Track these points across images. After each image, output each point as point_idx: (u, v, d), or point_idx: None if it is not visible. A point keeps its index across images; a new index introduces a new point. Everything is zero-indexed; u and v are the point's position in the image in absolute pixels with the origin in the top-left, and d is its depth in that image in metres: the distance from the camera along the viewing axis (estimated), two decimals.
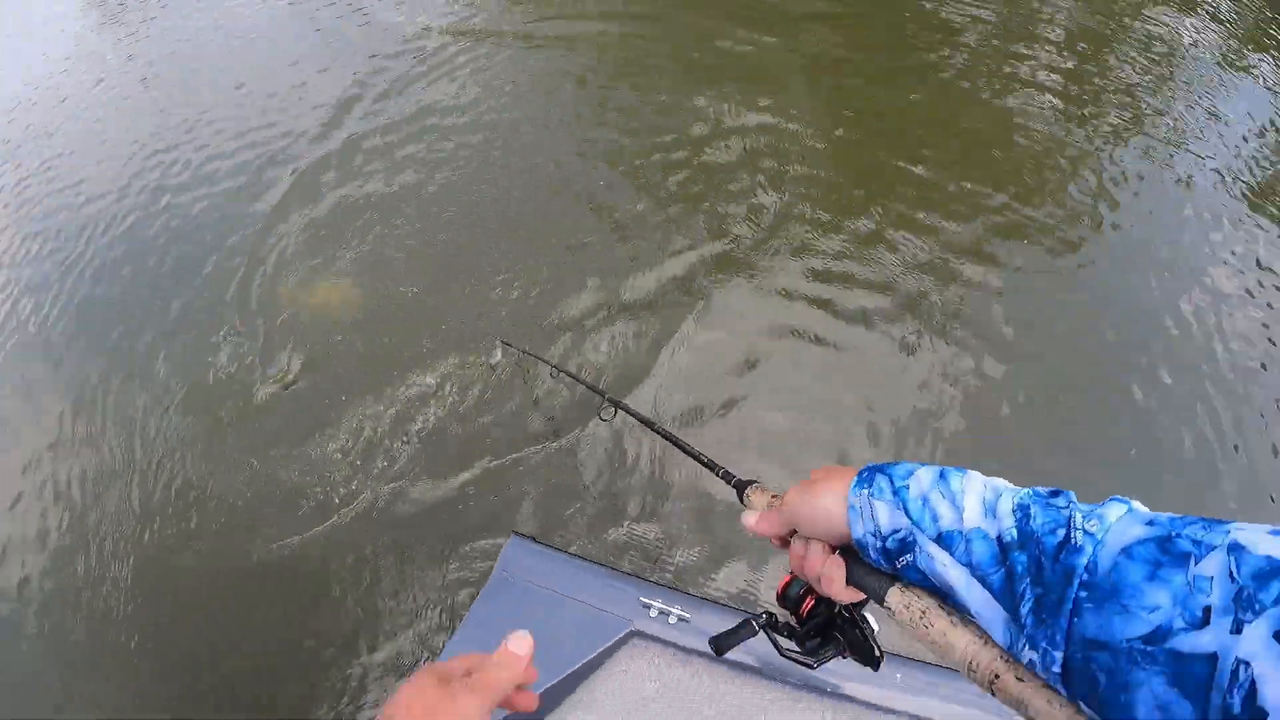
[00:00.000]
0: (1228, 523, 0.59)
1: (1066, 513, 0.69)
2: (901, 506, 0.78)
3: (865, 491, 0.81)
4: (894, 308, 3.87)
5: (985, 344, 3.75)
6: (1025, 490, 0.74)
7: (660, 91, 5.08)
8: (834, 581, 0.86)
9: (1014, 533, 0.70)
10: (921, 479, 0.78)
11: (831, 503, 0.84)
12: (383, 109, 5.10)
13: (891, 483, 0.80)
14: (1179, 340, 3.87)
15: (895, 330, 3.80)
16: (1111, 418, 3.59)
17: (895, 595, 0.80)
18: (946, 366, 3.67)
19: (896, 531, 0.78)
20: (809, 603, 0.98)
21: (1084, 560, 0.64)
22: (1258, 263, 4.21)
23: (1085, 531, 0.66)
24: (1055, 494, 0.72)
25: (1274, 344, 3.85)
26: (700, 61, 5.34)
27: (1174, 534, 0.61)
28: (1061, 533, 0.67)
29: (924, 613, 0.78)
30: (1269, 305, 4.04)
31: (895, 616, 0.81)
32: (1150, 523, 0.64)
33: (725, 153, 4.63)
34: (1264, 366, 3.77)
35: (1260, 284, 4.13)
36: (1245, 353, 3.80)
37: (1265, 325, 3.93)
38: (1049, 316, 3.96)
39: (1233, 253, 4.28)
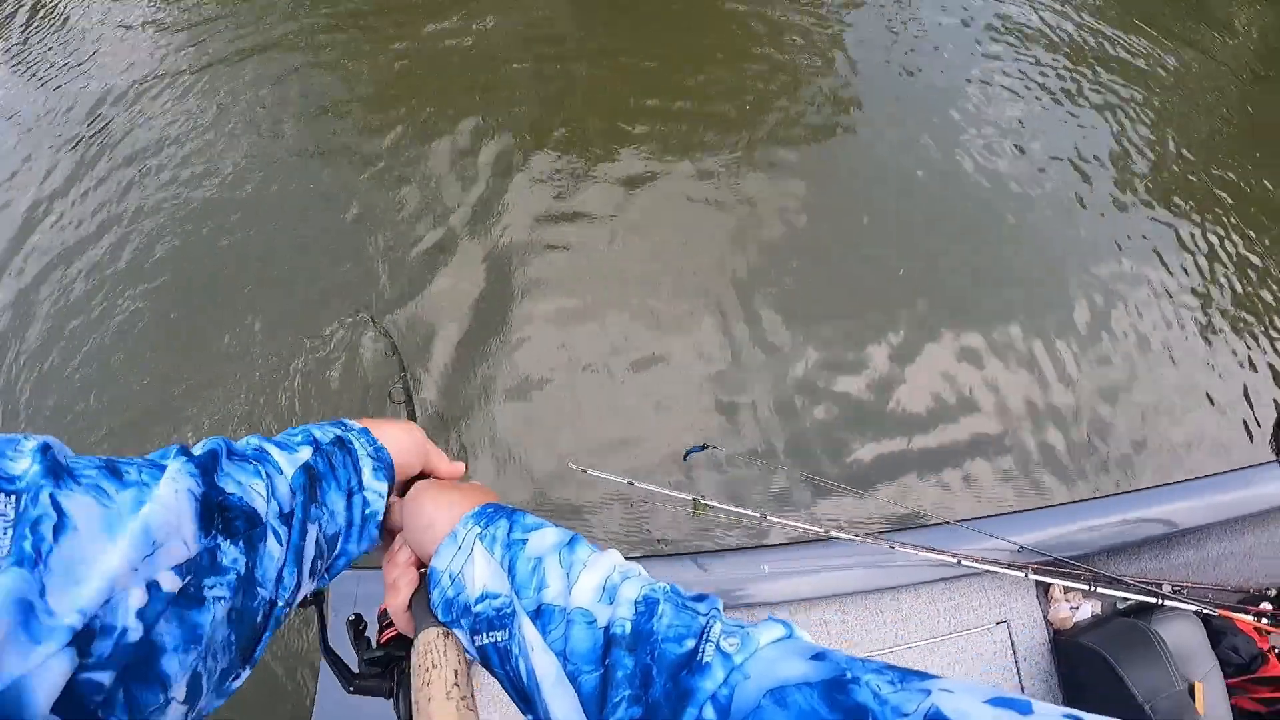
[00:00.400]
0: (930, 678, 0.43)
1: (704, 620, 0.54)
2: (508, 565, 0.61)
3: (476, 530, 0.65)
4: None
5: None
6: (664, 585, 0.58)
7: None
8: (398, 594, 0.71)
9: (627, 626, 0.55)
10: (546, 538, 0.63)
11: (439, 516, 0.68)
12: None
13: (509, 532, 0.64)
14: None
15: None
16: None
17: (428, 635, 0.65)
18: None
19: (492, 599, 0.61)
20: (391, 631, 0.76)
21: (711, 686, 0.49)
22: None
23: (721, 651, 0.51)
24: (700, 599, 0.57)
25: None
26: None
27: (849, 677, 0.45)
28: (690, 644, 0.52)
29: (436, 669, 0.62)
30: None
31: (410, 656, 0.66)
32: (817, 657, 0.49)
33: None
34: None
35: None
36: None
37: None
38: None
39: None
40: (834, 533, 1.64)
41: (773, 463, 2.93)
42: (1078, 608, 1.86)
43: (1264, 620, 2.39)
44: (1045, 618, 1.87)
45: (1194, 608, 2.10)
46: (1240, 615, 2.32)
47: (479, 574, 0.63)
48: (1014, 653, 1.80)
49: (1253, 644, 2.32)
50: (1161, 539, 2.10)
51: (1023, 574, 1.78)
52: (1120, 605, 1.80)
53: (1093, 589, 1.87)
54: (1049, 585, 1.88)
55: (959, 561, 1.73)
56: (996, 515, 1.94)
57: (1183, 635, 2.07)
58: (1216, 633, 2.27)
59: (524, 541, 0.63)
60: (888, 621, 1.76)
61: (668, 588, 0.58)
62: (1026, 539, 1.83)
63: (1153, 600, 2.02)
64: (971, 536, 1.80)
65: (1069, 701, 1.79)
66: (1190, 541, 2.21)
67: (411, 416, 2.62)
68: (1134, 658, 1.69)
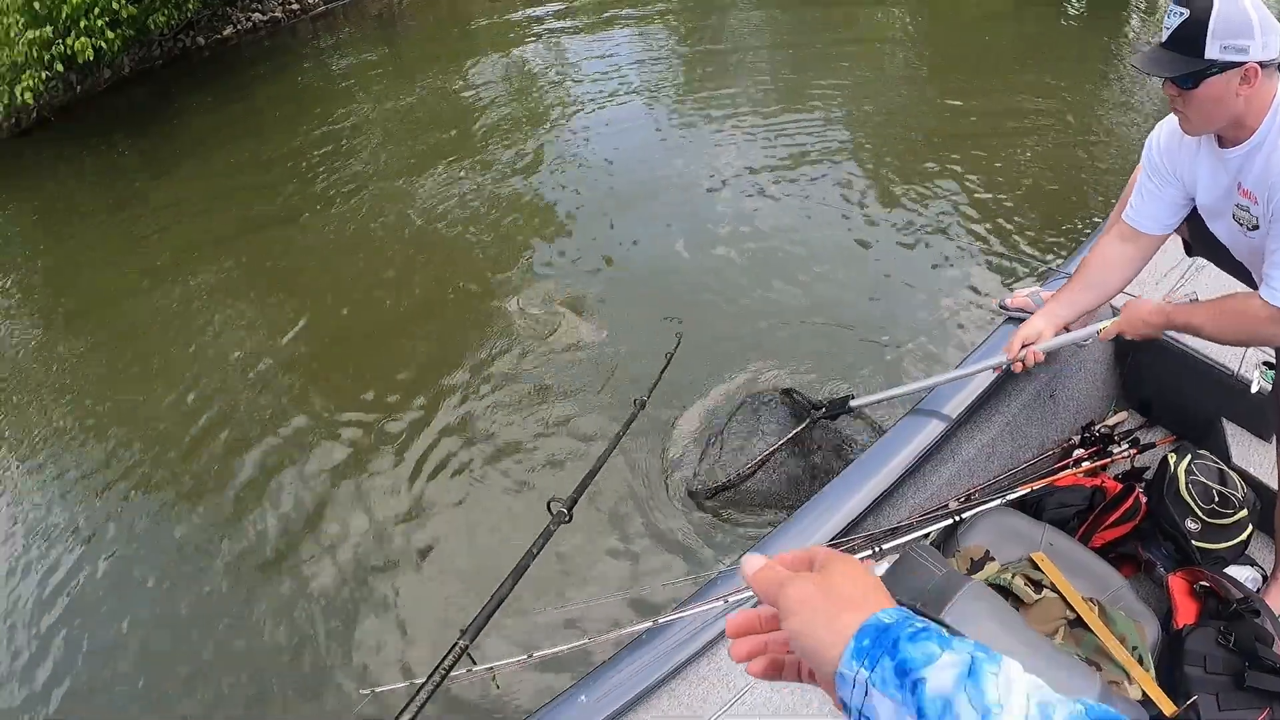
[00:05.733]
0: None
1: None
2: (915, 711, 0.55)
3: (863, 672, 0.58)
4: None
5: None
6: (1080, 707, 0.52)
7: None
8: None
9: None
10: (943, 673, 0.55)
11: (829, 637, 0.61)
12: None
13: (904, 672, 0.57)
14: None
15: None
16: None
17: None
18: None
19: None
20: None
21: None
22: None
23: None
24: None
25: None
26: None
27: None
28: None
29: None
30: None
31: None
32: None
33: None
34: None
35: None
36: None
37: None
38: None
39: None
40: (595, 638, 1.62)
41: None
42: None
43: (1083, 465, 2.44)
44: None
45: (995, 502, 2.14)
46: (1056, 476, 2.37)
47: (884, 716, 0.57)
48: None
49: (1082, 490, 2.37)
50: (916, 470, 2.15)
51: None
52: (921, 545, 1.80)
53: (878, 550, 1.88)
54: None
55: (725, 600, 1.72)
56: (750, 548, 1.95)
57: (998, 528, 2.10)
58: (1037, 504, 2.31)
59: (923, 681, 0.56)
60: (705, 692, 1.74)
61: (1085, 708, 0.51)
62: (787, 545, 1.84)
63: (949, 522, 2.05)
64: (732, 576, 1.81)
65: None
66: (945, 456, 2.25)
67: None
68: (901, 577, 1.70)
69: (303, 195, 7.52)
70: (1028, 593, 1.90)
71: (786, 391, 3.49)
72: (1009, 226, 4.72)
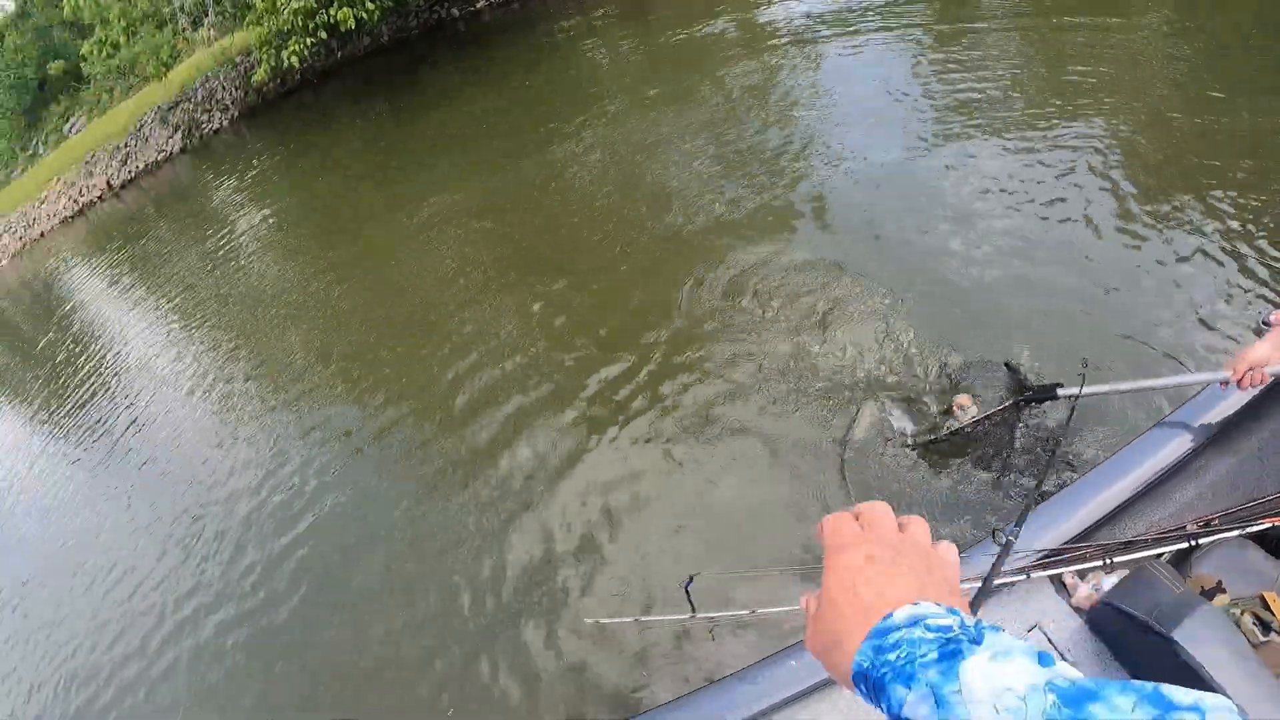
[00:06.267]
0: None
1: None
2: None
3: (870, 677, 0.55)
4: None
5: None
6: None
7: None
8: None
9: None
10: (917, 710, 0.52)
11: (845, 634, 0.59)
12: None
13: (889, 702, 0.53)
14: None
15: None
16: None
17: None
18: None
19: None
20: None
21: None
22: None
23: None
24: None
25: None
26: None
27: None
28: None
29: None
30: None
31: None
32: None
33: None
34: None
35: None
36: None
37: None
38: None
39: None
40: None
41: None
42: (1099, 586, 1.97)
43: None
44: (1072, 606, 1.98)
45: (1234, 533, 2.14)
46: None
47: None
48: (1055, 650, 1.92)
49: None
50: (1157, 485, 2.17)
51: (1024, 577, 1.93)
52: (1157, 562, 1.88)
53: (1109, 562, 1.98)
54: (1060, 576, 2.00)
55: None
56: (980, 541, 2.09)
57: (1233, 560, 2.12)
58: (1276, 540, 2.27)
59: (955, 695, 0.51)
60: None
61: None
62: (1020, 545, 1.98)
63: (1184, 545, 2.09)
64: (962, 564, 1.96)
65: (1132, 670, 1.89)
66: (1188, 475, 2.25)
67: None
68: (1137, 591, 1.76)
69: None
70: (1255, 632, 1.87)
71: (1009, 365, 3.77)
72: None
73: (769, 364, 4.52)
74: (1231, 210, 4.50)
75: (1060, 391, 2.92)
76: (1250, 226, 4.34)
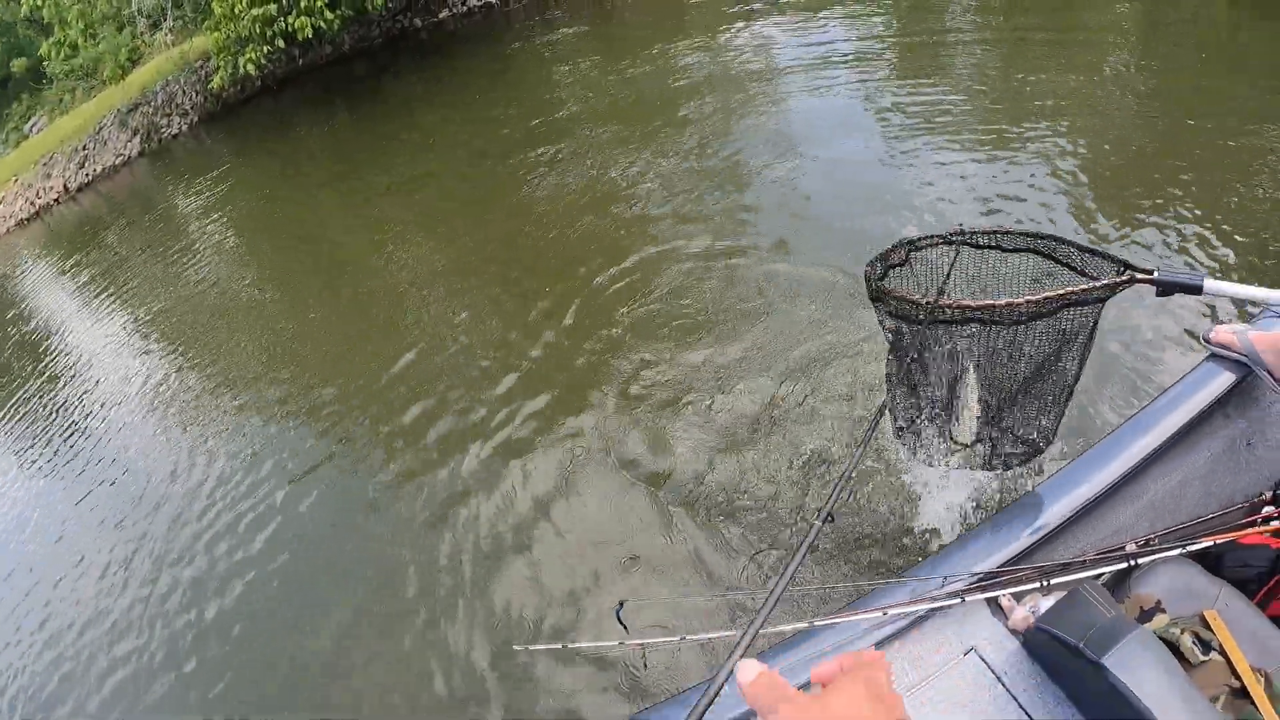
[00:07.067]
0: None
1: None
2: None
3: None
4: None
5: None
6: None
7: None
8: None
9: None
10: None
11: None
12: None
13: None
14: None
15: None
16: None
17: None
18: None
19: None
20: None
21: None
22: None
23: None
24: None
25: None
26: None
27: None
28: None
29: None
30: None
31: None
32: None
33: None
34: None
35: None
36: None
37: None
38: None
39: None
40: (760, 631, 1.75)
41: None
42: (1035, 609, 1.91)
43: (1272, 524, 2.35)
44: (1008, 629, 1.93)
45: (1174, 552, 2.11)
46: (1241, 533, 2.29)
47: None
48: (992, 673, 1.86)
49: (1267, 550, 2.29)
50: (1096, 506, 2.14)
51: (959, 600, 1.87)
52: (1092, 584, 1.84)
53: (1046, 584, 1.93)
54: (997, 599, 1.95)
55: (884, 613, 1.83)
56: (915, 564, 2.03)
57: (1172, 578, 2.08)
58: (1217, 559, 2.25)
59: None
60: None
61: None
62: (956, 567, 1.92)
63: (1123, 565, 2.05)
64: (897, 589, 1.91)
65: (1068, 693, 1.83)
66: (1129, 495, 2.22)
67: None
68: (1070, 614, 1.73)
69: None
70: (1194, 652, 1.85)
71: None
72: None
73: (721, 386, 4.45)
74: (1189, 218, 4.55)
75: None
76: (1211, 237, 4.38)
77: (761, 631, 2.07)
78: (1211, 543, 2.22)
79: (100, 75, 24.68)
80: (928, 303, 1.80)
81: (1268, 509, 2.36)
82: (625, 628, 2.00)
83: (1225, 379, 2.26)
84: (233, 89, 16.01)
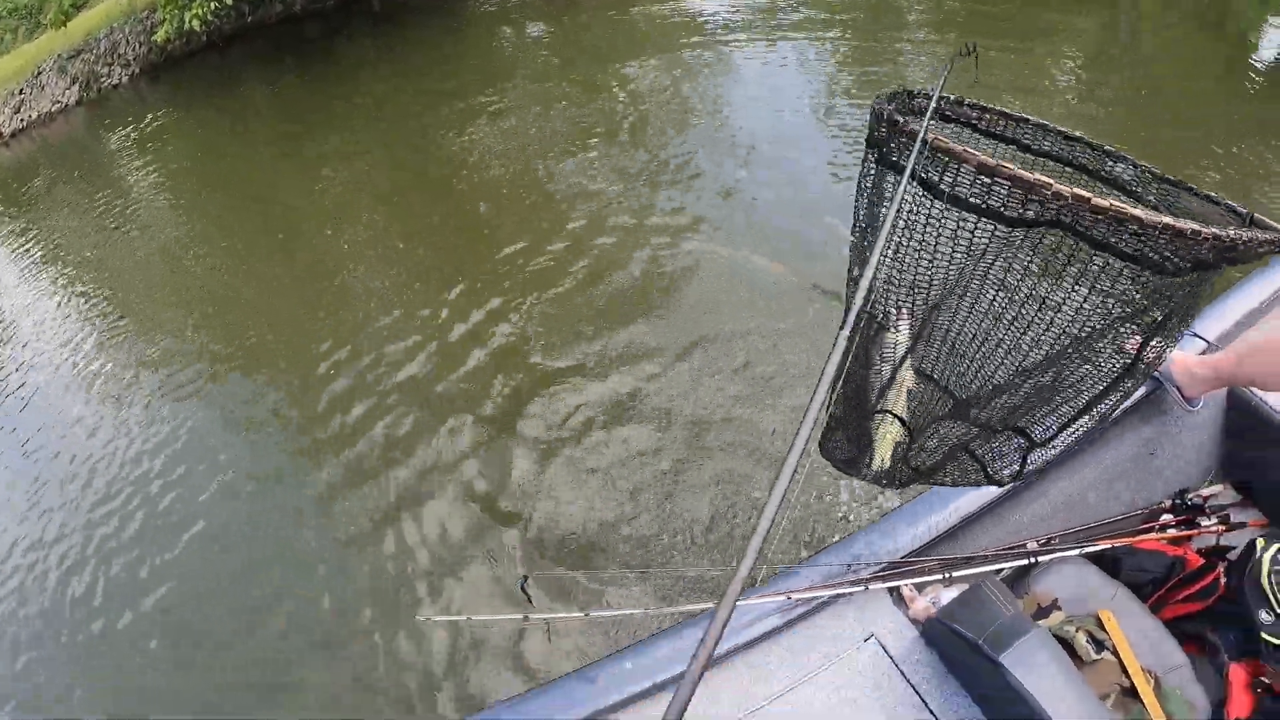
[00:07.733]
0: None
1: None
2: None
3: None
4: None
5: None
6: None
7: None
8: None
9: None
10: None
11: None
12: None
13: None
14: None
15: None
16: None
17: None
18: None
19: None
20: None
21: None
22: None
23: None
24: None
25: None
26: None
27: None
28: None
29: None
30: None
31: None
32: None
33: None
34: None
35: None
36: None
37: None
38: None
39: None
40: (652, 609, 1.76)
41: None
42: (936, 600, 1.94)
43: (1169, 531, 2.43)
44: (909, 618, 1.95)
45: (1073, 552, 2.16)
46: (1139, 538, 2.36)
47: None
48: (890, 660, 1.88)
49: (1163, 556, 2.36)
50: (1002, 503, 2.18)
51: (863, 588, 1.88)
52: (993, 580, 1.87)
53: (948, 577, 1.96)
54: (899, 589, 1.97)
55: (788, 597, 1.84)
56: (822, 550, 2.05)
57: (1070, 578, 2.14)
58: (1114, 562, 2.31)
59: None
60: (750, 680, 1.86)
61: None
62: (861, 555, 1.94)
63: (1024, 562, 2.10)
64: (802, 573, 1.92)
65: (965, 684, 1.86)
66: (1035, 494, 2.27)
67: None
68: (969, 609, 1.75)
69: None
70: (1088, 650, 1.91)
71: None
72: None
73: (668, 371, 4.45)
74: None
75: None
76: None
77: (666, 611, 2.09)
78: (1110, 545, 2.28)
79: (45, 17, 23.52)
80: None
81: (1165, 517, 2.44)
82: (530, 600, 1.97)
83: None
84: (178, 41, 15.41)
